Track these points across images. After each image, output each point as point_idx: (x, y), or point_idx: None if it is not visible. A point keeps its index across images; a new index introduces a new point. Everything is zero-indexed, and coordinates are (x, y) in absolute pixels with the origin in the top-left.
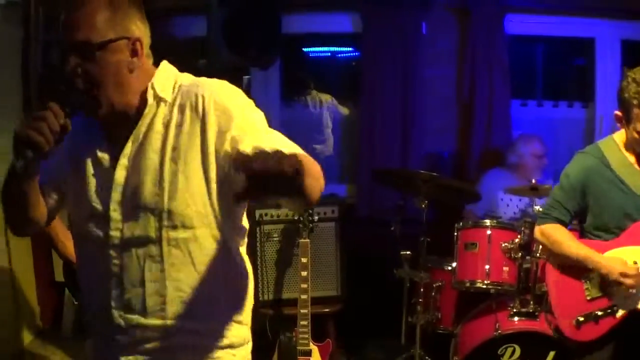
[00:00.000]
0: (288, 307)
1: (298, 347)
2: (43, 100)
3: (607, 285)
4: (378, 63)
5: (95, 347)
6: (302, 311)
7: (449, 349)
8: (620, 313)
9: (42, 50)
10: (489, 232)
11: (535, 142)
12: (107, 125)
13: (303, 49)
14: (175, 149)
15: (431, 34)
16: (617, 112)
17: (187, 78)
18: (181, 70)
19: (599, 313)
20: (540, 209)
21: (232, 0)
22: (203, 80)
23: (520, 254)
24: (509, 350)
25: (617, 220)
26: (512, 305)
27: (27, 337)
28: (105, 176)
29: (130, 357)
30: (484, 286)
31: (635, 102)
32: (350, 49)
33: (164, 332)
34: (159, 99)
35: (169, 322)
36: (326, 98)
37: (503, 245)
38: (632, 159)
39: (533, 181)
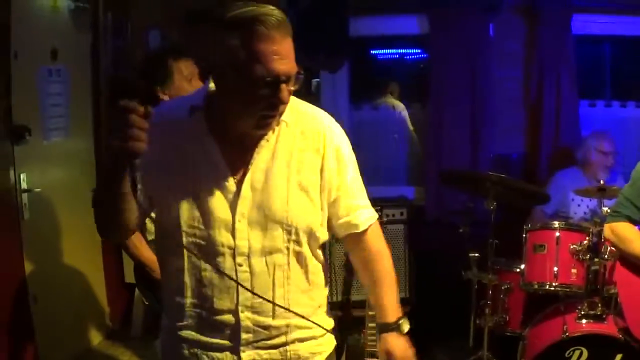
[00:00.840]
0: (357, 309)
1: (366, 349)
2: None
3: None
4: (446, 65)
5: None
6: (370, 313)
7: (516, 351)
8: None
9: (112, 54)
10: (557, 233)
11: (603, 139)
12: (233, 140)
13: (371, 51)
14: (299, 172)
15: (498, 35)
16: None
17: (294, 100)
18: None
19: None
20: (609, 209)
21: (301, 2)
22: (319, 113)
23: (588, 255)
24: (577, 352)
25: None
26: (580, 307)
27: (97, 338)
28: (229, 187)
29: (251, 352)
30: (552, 288)
31: None
32: (418, 50)
33: (285, 330)
34: (282, 121)
35: (292, 321)
36: (398, 104)
37: (571, 247)
38: None
39: (601, 182)
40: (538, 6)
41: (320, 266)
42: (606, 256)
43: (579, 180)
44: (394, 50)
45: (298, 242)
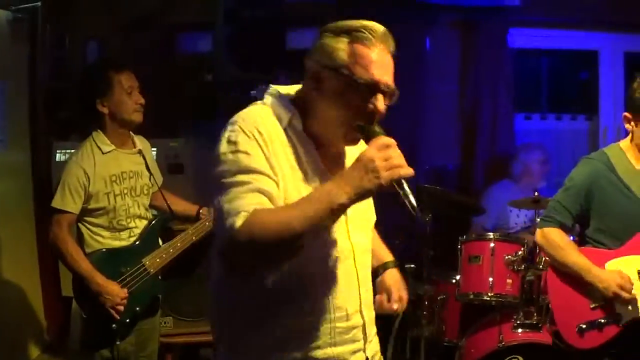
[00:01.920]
0: None
1: None
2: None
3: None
4: None
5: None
6: None
7: None
8: (624, 322)
9: (50, 65)
10: (492, 244)
11: (537, 149)
12: (328, 145)
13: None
14: None
15: (435, 49)
16: (627, 114)
17: None
18: (188, 85)
19: (602, 321)
20: (543, 212)
21: (238, 16)
22: None
23: (523, 266)
24: None
25: (621, 226)
26: (515, 317)
27: (35, 351)
28: None
29: (369, 347)
30: (488, 298)
31: None
32: None
33: (374, 323)
34: None
35: (374, 314)
36: None
37: (506, 257)
38: (638, 165)
39: (536, 193)
40: (474, 20)
41: None
42: (541, 266)
43: (513, 193)
44: None
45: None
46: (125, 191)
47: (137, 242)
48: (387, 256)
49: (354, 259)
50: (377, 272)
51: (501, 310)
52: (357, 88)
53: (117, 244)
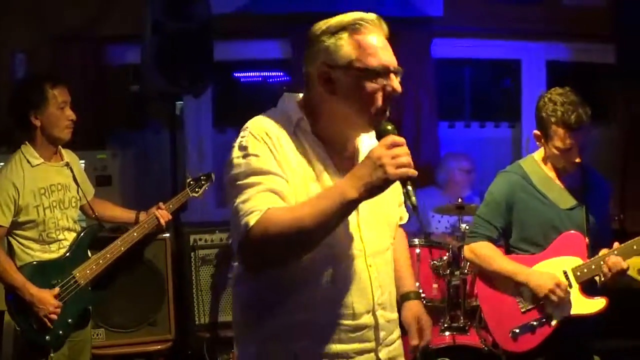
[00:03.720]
0: (224, 329)
1: None
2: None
3: (542, 298)
4: None
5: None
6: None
7: None
8: (555, 321)
9: None
10: (417, 250)
11: (462, 159)
12: (338, 147)
13: (234, 74)
14: None
15: None
16: (536, 132)
17: None
18: (115, 96)
19: (534, 323)
20: (467, 228)
21: (165, 28)
22: None
23: (449, 270)
24: None
25: (542, 233)
26: (442, 320)
27: None
28: None
29: (385, 350)
30: None
31: (552, 119)
32: (281, 73)
33: (397, 323)
34: None
35: (397, 314)
36: None
37: (432, 263)
38: (552, 174)
39: (459, 200)
40: (398, 30)
41: None
42: (466, 270)
43: (438, 199)
44: (257, 73)
45: (393, 237)
46: (54, 204)
47: (67, 254)
48: (409, 285)
49: (365, 258)
50: (398, 302)
51: (428, 314)
52: (373, 76)
53: (46, 256)
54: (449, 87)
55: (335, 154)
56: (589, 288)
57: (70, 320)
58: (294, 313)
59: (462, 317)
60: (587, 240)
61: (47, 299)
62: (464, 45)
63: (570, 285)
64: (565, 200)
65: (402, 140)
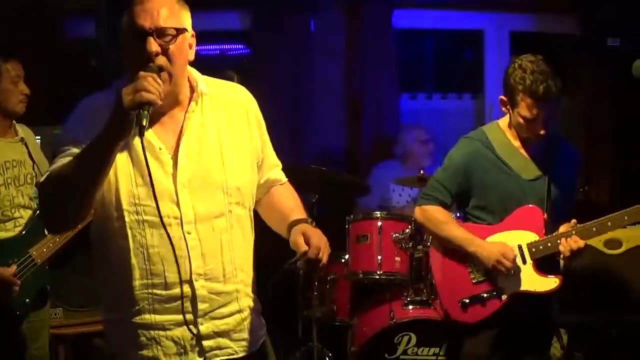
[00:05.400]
0: None
1: None
2: None
3: (490, 269)
4: (267, 61)
5: (149, 322)
6: None
7: (346, 340)
8: (505, 296)
9: None
10: (379, 223)
11: (418, 129)
12: (158, 112)
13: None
14: (230, 138)
15: (320, 31)
16: (502, 97)
17: (205, 77)
18: (74, 70)
19: (485, 295)
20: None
21: (121, 1)
22: (237, 85)
23: (411, 243)
24: (405, 338)
25: (501, 203)
26: (405, 294)
27: None
28: (165, 160)
29: (209, 324)
30: (377, 277)
31: (520, 87)
32: (240, 46)
33: (236, 296)
34: (202, 92)
35: (239, 286)
36: None
37: (394, 235)
38: (516, 143)
39: (421, 172)
40: (359, 2)
41: (252, 233)
42: (429, 243)
43: (398, 172)
44: (215, 46)
45: (238, 204)
46: (9, 181)
47: (23, 233)
48: (297, 216)
49: (181, 225)
50: (288, 237)
51: (391, 288)
52: (128, 40)
53: (2, 234)
54: (411, 58)
55: (158, 123)
56: (547, 265)
57: (27, 300)
58: (111, 281)
59: (425, 291)
60: (545, 215)
61: (4, 276)
62: (426, 15)
63: (524, 261)
64: (528, 170)
65: (150, 73)
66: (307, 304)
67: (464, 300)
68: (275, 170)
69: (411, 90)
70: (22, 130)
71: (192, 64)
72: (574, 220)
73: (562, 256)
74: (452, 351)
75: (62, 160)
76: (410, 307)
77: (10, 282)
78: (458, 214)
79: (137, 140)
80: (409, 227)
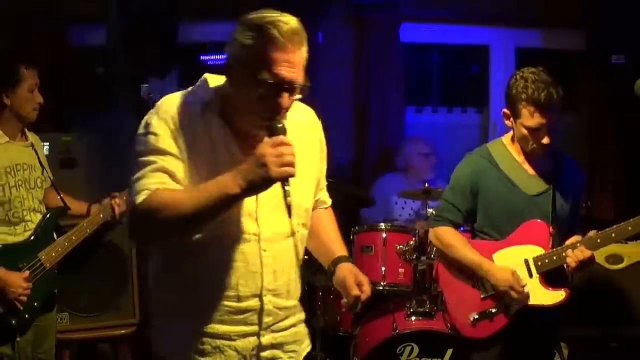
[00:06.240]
0: None
1: None
2: None
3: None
4: None
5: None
6: None
7: (349, 350)
8: (513, 311)
9: None
10: (384, 235)
11: (419, 142)
12: (245, 132)
13: (201, 57)
14: (304, 159)
15: (327, 43)
16: (505, 110)
17: None
18: (81, 77)
19: (493, 310)
20: (434, 212)
21: (131, 9)
22: (304, 105)
23: (415, 255)
24: (407, 349)
25: (506, 219)
26: (408, 305)
27: None
28: None
29: (269, 336)
30: (381, 287)
31: (523, 96)
32: None
33: (293, 311)
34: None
35: (296, 302)
36: None
37: (398, 247)
38: (520, 158)
39: (426, 185)
40: (366, 15)
41: None
42: (432, 255)
43: (402, 184)
44: (223, 56)
45: (304, 225)
46: (20, 183)
47: (32, 237)
48: (340, 250)
49: (259, 242)
50: (329, 270)
51: (394, 300)
52: (261, 86)
53: (11, 239)
54: (417, 71)
55: (244, 141)
56: (552, 278)
57: (36, 303)
58: (182, 290)
59: (428, 302)
60: (550, 229)
61: (16, 281)
62: (433, 29)
63: (530, 275)
64: (532, 185)
65: (287, 140)
66: (310, 313)
67: (474, 315)
68: (323, 191)
69: (417, 103)
70: (32, 136)
71: (202, 71)
72: (577, 236)
73: (568, 268)
74: None
75: (153, 177)
76: (413, 318)
77: (23, 287)
78: (462, 228)
79: (222, 155)
80: (413, 239)
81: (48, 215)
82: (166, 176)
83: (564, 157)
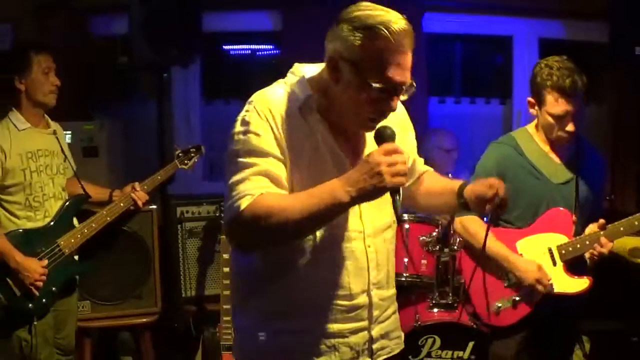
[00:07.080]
0: (211, 303)
1: (221, 342)
2: None
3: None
4: (298, 61)
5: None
6: (224, 307)
7: None
8: (536, 299)
9: None
10: (407, 226)
11: (443, 136)
12: (342, 128)
13: (223, 46)
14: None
15: None
16: (530, 99)
17: None
18: (103, 67)
19: (517, 298)
20: None
21: None
22: None
23: (438, 247)
24: (429, 341)
25: (531, 207)
26: (431, 297)
27: None
28: None
29: (377, 327)
30: (403, 279)
31: (548, 83)
32: (271, 46)
33: (393, 300)
34: None
35: (394, 290)
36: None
37: (421, 238)
38: (546, 147)
39: (449, 176)
40: (389, 4)
41: None
42: (455, 247)
43: None
44: (246, 46)
45: (397, 216)
46: (41, 168)
47: (52, 223)
48: (457, 183)
49: (364, 239)
50: (460, 201)
51: (417, 291)
52: (372, 89)
53: (31, 225)
54: (440, 62)
55: (340, 135)
56: (575, 267)
57: (54, 288)
58: (292, 292)
59: (450, 294)
60: (574, 217)
61: (33, 266)
62: (456, 20)
63: (554, 263)
64: (558, 174)
65: (399, 147)
66: None
67: (497, 304)
68: (421, 162)
69: (440, 94)
70: (54, 125)
71: (224, 61)
72: (602, 220)
73: (589, 257)
74: (478, 352)
75: (256, 180)
76: (435, 310)
77: (39, 272)
78: (485, 218)
79: (323, 151)
80: (437, 230)
81: (68, 202)
82: (268, 180)
83: (585, 145)
